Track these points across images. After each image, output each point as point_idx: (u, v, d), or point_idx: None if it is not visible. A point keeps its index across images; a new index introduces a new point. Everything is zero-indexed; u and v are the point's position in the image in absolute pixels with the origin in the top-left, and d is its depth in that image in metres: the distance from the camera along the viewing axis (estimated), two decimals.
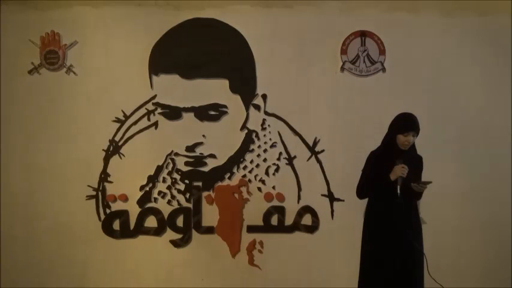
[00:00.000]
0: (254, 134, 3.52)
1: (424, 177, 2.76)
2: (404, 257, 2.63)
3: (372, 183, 2.73)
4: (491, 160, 3.48)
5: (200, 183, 3.52)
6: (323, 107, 3.51)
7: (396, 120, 2.72)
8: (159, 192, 3.52)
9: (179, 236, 3.51)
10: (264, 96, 3.52)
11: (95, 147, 3.51)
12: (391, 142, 2.71)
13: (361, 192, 2.81)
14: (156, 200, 3.52)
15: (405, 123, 2.67)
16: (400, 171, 2.60)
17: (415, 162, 2.74)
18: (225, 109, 3.50)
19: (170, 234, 3.51)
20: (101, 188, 3.52)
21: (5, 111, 3.52)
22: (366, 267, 2.77)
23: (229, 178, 3.52)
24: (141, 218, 3.51)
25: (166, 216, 3.51)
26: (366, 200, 2.83)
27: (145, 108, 3.53)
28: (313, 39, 3.49)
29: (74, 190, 3.49)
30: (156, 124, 3.53)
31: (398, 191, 2.60)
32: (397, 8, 3.47)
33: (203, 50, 3.48)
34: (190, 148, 3.50)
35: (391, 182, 2.63)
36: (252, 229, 3.50)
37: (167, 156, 3.51)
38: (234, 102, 3.50)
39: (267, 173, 3.51)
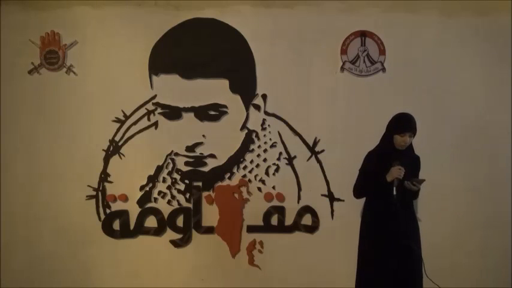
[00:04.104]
0: (254, 134, 3.52)
1: (424, 177, 2.76)
2: (400, 257, 2.63)
3: (369, 183, 2.73)
4: (491, 160, 3.48)
5: (200, 183, 3.52)
6: (323, 107, 3.51)
7: (393, 120, 2.72)
8: (159, 192, 3.52)
9: (179, 236, 3.51)
10: (264, 96, 3.52)
11: (95, 147, 3.51)
12: (388, 142, 2.71)
13: (358, 192, 2.82)
14: (156, 200, 3.52)
15: (401, 123, 2.67)
16: (396, 172, 2.60)
17: (412, 163, 2.75)
18: (225, 109, 3.50)
19: (170, 234, 3.51)
20: (101, 188, 3.52)
21: (5, 111, 3.52)
22: (362, 266, 2.78)
23: (229, 178, 3.52)
24: (141, 218, 3.51)
25: (166, 216, 3.51)
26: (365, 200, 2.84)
27: (145, 108, 3.53)
28: (313, 39, 3.48)
29: (74, 190, 3.49)
30: (156, 124, 3.53)
31: (395, 192, 2.61)
32: (397, 8, 3.47)
33: (203, 50, 3.48)
34: (190, 148, 3.50)
35: (387, 183, 2.63)
36: (252, 229, 3.51)
37: (167, 156, 3.51)
38: (234, 102, 3.50)
39: (267, 173, 3.51)
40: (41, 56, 3.51)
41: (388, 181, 2.63)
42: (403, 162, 2.63)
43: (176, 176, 3.52)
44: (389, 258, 2.63)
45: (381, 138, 2.78)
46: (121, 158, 3.53)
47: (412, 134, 2.67)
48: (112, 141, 3.53)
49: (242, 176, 3.52)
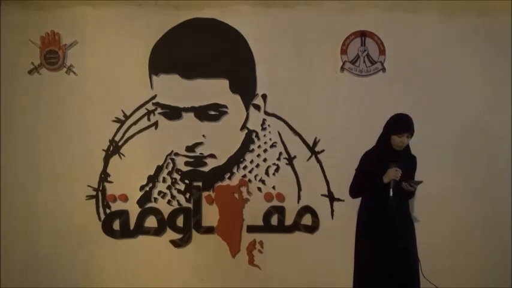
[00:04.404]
0: (254, 134, 3.52)
1: (424, 177, 2.76)
2: (397, 259, 2.62)
3: (366, 184, 2.73)
4: (491, 160, 3.48)
5: (200, 183, 3.52)
6: (323, 107, 3.50)
7: (391, 121, 2.72)
8: (159, 192, 3.52)
9: (179, 236, 3.51)
10: (264, 96, 3.52)
11: (95, 147, 3.51)
12: (385, 142, 2.71)
13: (354, 192, 2.82)
14: (156, 200, 3.52)
15: (400, 124, 2.67)
16: (393, 174, 2.61)
17: (409, 163, 2.75)
18: (225, 109, 3.50)
19: (170, 234, 3.51)
20: (101, 188, 3.52)
21: (5, 111, 3.52)
22: (359, 266, 2.78)
23: (229, 178, 3.52)
24: (141, 218, 3.51)
25: (166, 216, 3.51)
26: None
27: (145, 108, 3.53)
28: (313, 39, 3.48)
29: (74, 190, 3.49)
30: (156, 124, 3.53)
31: (391, 194, 2.61)
32: (397, 8, 3.46)
33: (203, 50, 3.48)
34: (190, 148, 3.50)
35: (384, 184, 2.63)
36: (252, 229, 3.51)
37: (167, 156, 3.51)
38: (234, 102, 3.50)
39: (267, 173, 3.51)
40: (41, 56, 3.51)
41: (384, 182, 2.63)
42: (400, 163, 2.63)
43: (176, 176, 3.52)
44: (385, 260, 2.63)
45: (378, 138, 2.78)
46: (121, 158, 3.53)
47: (409, 134, 2.67)
48: (112, 141, 3.53)
49: (242, 176, 3.52)
